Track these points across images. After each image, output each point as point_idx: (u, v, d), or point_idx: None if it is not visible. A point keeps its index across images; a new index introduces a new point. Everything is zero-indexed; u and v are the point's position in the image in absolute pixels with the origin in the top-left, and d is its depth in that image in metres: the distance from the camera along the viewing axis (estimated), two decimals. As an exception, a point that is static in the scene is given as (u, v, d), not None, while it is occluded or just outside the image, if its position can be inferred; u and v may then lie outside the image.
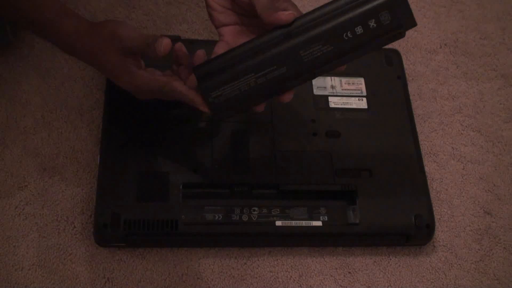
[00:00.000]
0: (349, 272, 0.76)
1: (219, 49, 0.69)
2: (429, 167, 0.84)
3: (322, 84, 0.84)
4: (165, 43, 0.64)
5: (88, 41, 0.66)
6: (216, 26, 0.71)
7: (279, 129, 0.80)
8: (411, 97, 0.87)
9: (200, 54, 0.69)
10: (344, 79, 0.85)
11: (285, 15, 0.64)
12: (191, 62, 0.69)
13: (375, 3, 0.64)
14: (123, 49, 0.66)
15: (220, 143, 0.77)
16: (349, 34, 0.64)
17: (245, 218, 0.74)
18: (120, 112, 0.77)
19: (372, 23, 0.64)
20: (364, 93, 0.85)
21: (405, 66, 0.90)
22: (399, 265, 0.78)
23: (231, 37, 0.70)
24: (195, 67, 0.67)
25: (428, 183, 0.81)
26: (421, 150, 0.83)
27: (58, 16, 0.66)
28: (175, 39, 0.84)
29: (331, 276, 0.76)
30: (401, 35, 0.65)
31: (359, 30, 0.64)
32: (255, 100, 0.68)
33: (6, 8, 0.66)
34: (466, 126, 0.89)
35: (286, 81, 0.66)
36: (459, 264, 0.79)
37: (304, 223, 0.75)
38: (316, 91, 0.83)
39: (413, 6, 0.98)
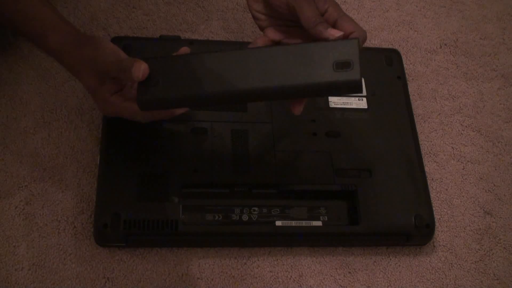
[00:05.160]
0: (349, 272, 0.76)
1: (260, 42, 0.70)
2: (429, 167, 0.84)
3: (322, 84, 0.84)
4: (143, 68, 0.63)
5: (72, 60, 0.67)
6: (261, 30, 0.72)
7: (279, 129, 0.80)
8: (411, 97, 0.87)
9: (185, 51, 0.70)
10: (344, 79, 0.85)
11: (337, 34, 0.64)
12: None
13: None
14: (100, 73, 0.67)
15: (220, 143, 0.77)
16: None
17: (245, 218, 0.74)
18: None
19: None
20: (364, 93, 0.84)
21: (405, 66, 0.90)
22: (399, 265, 0.78)
23: (272, 34, 0.71)
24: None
25: (428, 183, 0.81)
26: (421, 150, 0.83)
27: (47, 30, 0.67)
28: (175, 39, 0.84)
29: (331, 276, 0.76)
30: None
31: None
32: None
33: (2, 20, 0.67)
34: (466, 126, 0.89)
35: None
36: (459, 264, 0.79)
37: (304, 223, 0.75)
38: (316, 91, 0.83)
39: (413, 6, 0.98)
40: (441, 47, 0.95)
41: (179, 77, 0.64)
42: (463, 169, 0.85)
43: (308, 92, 0.63)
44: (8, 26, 0.68)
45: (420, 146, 0.83)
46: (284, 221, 0.74)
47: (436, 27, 0.97)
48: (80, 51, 0.67)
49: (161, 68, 0.65)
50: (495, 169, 0.86)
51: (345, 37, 0.64)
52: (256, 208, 0.75)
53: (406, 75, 0.88)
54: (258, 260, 0.76)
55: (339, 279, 0.76)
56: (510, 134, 0.89)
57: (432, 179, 0.84)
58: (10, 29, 0.69)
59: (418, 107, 0.89)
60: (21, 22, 0.66)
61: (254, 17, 0.72)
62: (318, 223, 0.75)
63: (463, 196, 0.83)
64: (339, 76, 0.61)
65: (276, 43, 0.70)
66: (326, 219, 0.76)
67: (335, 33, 0.64)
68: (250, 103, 0.80)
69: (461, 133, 0.88)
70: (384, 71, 0.87)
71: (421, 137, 0.85)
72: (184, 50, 0.69)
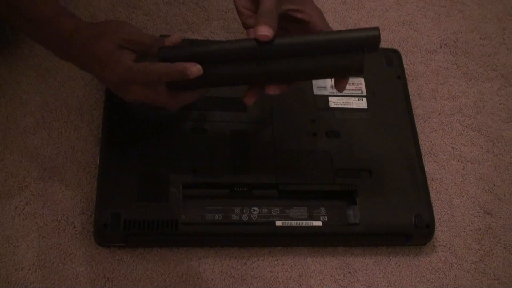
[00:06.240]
0: (349, 272, 0.76)
1: None
2: (429, 167, 0.84)
3: (322, 84, 0.84)
4: (177, 36, 0.67)
5: (86, 33, 0.67)
6: (244, 28, 0.73)
7: (279, 129, 0.80)
8: (411, 97, 0.87)
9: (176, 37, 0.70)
10: (344, 79, 0.85)
11: (260, 35, 0.65)
12: None
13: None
14: (123, 41, 0.66)
15: (220, 143, 0.77)
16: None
17: (245, 218, 0.74)
18: (120, 112, 0.77)
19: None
20: (364, 93, 0.85)
21: (405, 66, 0.90)
22: (399, 265, 0.78)
23: None
24: (161, 48, 0.67)
25: (428, 183, 0.81)
26: (421, 150, 0.83)
27: (57, 14, 0.67)
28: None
29: (331, 276, 0.76)
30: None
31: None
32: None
33: (4, 7, 0.66)
34: (466, 126, 0.89)
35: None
36: (459, 264, 0.79)
37: (304, 223, 0.75)
38: (316, 91, 0.83)
39: (413, 6, 0.98)
40: (441, 47, 0.95)
41: (199, 44, 0.69)
42: (463, 169, 0.85)
43: (330, 47, 0.66)
44: (14, 16, 0.67)
45: (420, 146, 0.83)
46: (284, 221, 0.74)
47: (436, 27, 0.97)
48: (103, 23, 0.67)
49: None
50: (495, 169, 0.86)
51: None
52: (256, 208, 0.75)
53: (406, 75, 0.88)
54: (258, 260, 0.76)
55: (339, 279, 0.76)
56: (510, 134, 0.89)
57: (432, 179, 0.84)
58: (12, 21, 0.68)
59: (418, 107, 0.89)
60: (29, 8, 0.66)
61: (239, 12, 0.72)
62: (318, 223, 0.75)
63: (463, 196, 0.83)
64: (359, 33, 0.66)
65: None
66: (326, 219, 0.76)
67: (261, 31, 0.65)
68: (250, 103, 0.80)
69: (461, 133, 0.88)
70: (384, 71, 0.87)
71: (421, 137, 0.85)
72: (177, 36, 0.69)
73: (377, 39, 0.65)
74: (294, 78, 0.69)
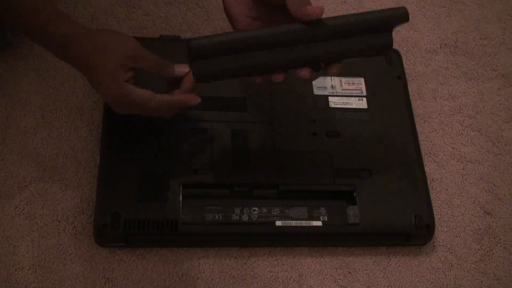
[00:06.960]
0: (349, 272, 0.76)
1: None
2: (429, 167, 0.84)
3: (322, 84, 0.84)
4: (183, 66, 0.69)
5: (86, 42, 0.66)
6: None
7: (279, 129, 0.80)
8: (411, 97, 0.87)
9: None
10: (344, 79, 0.85)
11: (313, 10, 0.65)
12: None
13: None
14: (127, 58, 0.66)
15: (220, 143, 0.77)
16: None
17: (245, 218, 0.74)
18: (120, 112, 0.77)
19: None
20: (364, 93, 0.85)
21: (405, 66, 0.90)
22: (399, 265, 0.78)
23: None
24: (191, 43, 0.67)
25: (428, 183, 0.81)
26: (421, 150, 0.83)
27: (54, 19, 0.66)
28: (175, 39, 0.84)
29: (331, 276, 0.76)
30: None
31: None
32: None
33: (3, 9, 0.66)
34: (466, 126, 0.89)
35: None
36: (459, 264, 0.79)
37: (304, 223, 0.75)
38: (316, 91, 0.83)
39: (413, 6, 0.98)
40: (441, 47, 0.95)
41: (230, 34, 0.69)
42: (463, 169, 0.85)
43: (359, 25, 0.67)
44: (11, 19, 0.67)
45: (420, 146, 0.83)
46: (284, 221, 0.74)
47: (436, 27, 0.97)
48: (105, 33, 0.67)
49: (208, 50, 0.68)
50: (495, 169, 0.86)
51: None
52: (256, 208, 0.75)
53: (406, 75, 0.88)
54: (258, 260, 0.76)
55: (339, 279, 0.76)
56: (510, 134, 0.89)
57: (432, 179, 0.84)
58: (11, 23, 0.68)
59: (418, 107, 0.89)
60: (26, 12, 0.66)
61: (233, 19, 0.71)
62: (318, 223, 0.75)
63: (463, 196, 0.83)
64: (389, 12, 0.67)
65: None
66: (326, 219, 0.76)
67: (313, 8, 0.65)
68: (250, 103, 0.80)
69: (461, 133, 0.88)
70: (384, 71, 0.87)
71: (421, 137, 0.85)
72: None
73: (405, 16, 0.67)
74: (330, 59, 0.68)
